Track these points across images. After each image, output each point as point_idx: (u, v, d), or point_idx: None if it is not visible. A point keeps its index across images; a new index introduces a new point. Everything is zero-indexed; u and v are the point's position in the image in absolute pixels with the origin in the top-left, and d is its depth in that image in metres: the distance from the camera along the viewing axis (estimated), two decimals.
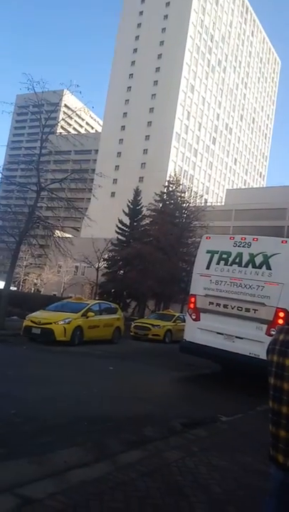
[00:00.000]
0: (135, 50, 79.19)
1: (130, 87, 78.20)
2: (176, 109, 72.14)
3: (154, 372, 10.10)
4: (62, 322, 12.82)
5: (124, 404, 6.51)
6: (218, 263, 9.15)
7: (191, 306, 9.51)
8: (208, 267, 9.29)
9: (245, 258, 8.76)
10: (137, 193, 38.04)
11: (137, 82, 76.51)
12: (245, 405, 7.12)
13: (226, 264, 9.03)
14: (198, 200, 37.16)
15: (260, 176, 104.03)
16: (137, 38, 79.59)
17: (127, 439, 4.75)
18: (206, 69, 79.99)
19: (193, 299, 9.48)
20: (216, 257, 9.22)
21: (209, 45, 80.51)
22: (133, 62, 78.81)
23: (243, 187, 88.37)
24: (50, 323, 12.75)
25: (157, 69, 75.33)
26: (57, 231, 22.59)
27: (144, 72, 75.70)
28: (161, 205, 35.98)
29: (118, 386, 7.98)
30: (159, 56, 75.54)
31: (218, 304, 8.96)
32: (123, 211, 37.93)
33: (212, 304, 9.05)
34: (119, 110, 77.53)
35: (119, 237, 36.52)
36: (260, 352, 8.01)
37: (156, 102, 73.68)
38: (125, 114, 77.57)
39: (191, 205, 34.84)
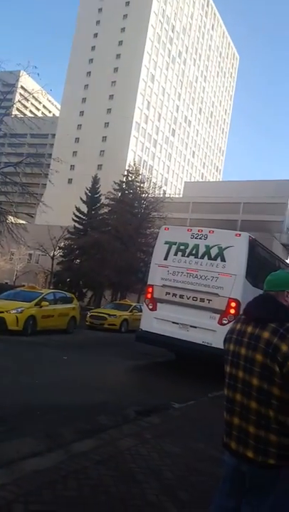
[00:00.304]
0: (96, 35, 77.54)
1: (90, 72, 76.67)
2: (137, 97, 71.67)
3: (109, 362, 10.13)
4: (14, 311, 12.49)
5: (78, 394, 6.47)
6: (175, 254, 9.28)
7: (148, 296, 9.59)
8: (166, 258, 9.40)
9: (202, 250, 8.95)
10: (96, 180, 37.56)
11: (97, 68, 75.11)
12: (198, 392, 7.31)
13: (183, 255, 9.18)
14: (157, 191, 37.35)
15: (217, 170, 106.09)
16: (97, 22, 77.94)
17: (80, 428, 4.73)
18: (167, 59, 79.91)
19: (150, 289, 9.57)
20: (173, 248, 9.34)
21: (170, 35, 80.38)
22: (93, 47, 77.19)
23: (201, 180, 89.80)
24: (2, 312, 12.40)
25: (118, 56, 74.28)
26: (10, 217, 21.86)
27: (104, 58, 74.40)
28: (120, 195, 35.79)
29: (72, 375, 7.92)
30: (120, 43, 74.47)
31: (174, 295, 9.10)
32: (81, 199, 37.35)
33: (169, 294, 9.18)
34: (78, 95, 75.87)
35: (76, 225, 35.97)
36: (213, 340, 8.28)
37: (116, 89, 72.79)
38: (84, 99, 76.06)
39: (150, 195, 34.95)
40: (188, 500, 3.20)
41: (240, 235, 9.02)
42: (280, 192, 49.64)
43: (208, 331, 8.46)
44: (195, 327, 8.73)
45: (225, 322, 8.29)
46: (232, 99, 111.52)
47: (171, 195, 49.13)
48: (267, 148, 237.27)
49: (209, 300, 8.63)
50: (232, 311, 8.31)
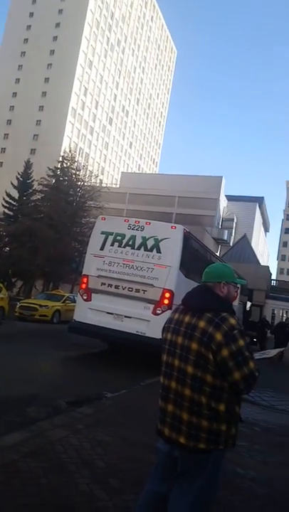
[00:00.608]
0: (31, 14, 74.24)
1: (24, 52, 73.24)
2: (74, 83, 69.77)
3: (40, 353, 9.87)
4: None
5: (7, 386, 6.24)
6: (112, 244, 9.26)
7: (83, 286, 9.48)
8: (102, 248, 9.34)
9: (138, 241, 9.02)
10: (28, 165, 36.19)
11: (32, 49, 71.93)
12: (131, 381, 7.40)
13: (119, 246, 9.18)
14: (93, 180, 36.88)
15: (154, 163, 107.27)
16: (34, 1, 74.56)
17: (8, 421, 4.58)
18: (106, 46, 78.67)
19: (85, 280, 9.47)
20: (110, 238, 9.31)
21: (109, 22, 79.15)
22: (29, 27, 73.80)
23: (138, 171, 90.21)
24: None
25: (55, 38, 71.69)
26: None
27: (40, 39, 71.42)
28: (54, 181, 34.81)
29: (0, 368, 7.62)
30: (57, 25, 71.91)
31: (109, 285, 9.09)
32: (11, 183, 35.78)
33: (104, 284, 9.15)
34: (11, 75, 72.18)
35: (6, 211, 34.46)
36: (146, 330, 8.42)
37: (52, 73, 70.30)
38: (18, 80, 72.58)
39: (86, 184, 34.41)
40: (120, 487, 3.24)
41: (175, 227, 9.22)
42: (213, 188, 51.66)
43: (143, 321, 8.59)
44: (129, 317, 8.81)
45: (159, 312, 8.47)
46: (169, 92, 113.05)
47: (108, 185, 48.82)
48: (202, 144, 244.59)
49: (144, 291, 8.75)
50: (166, 301, 8.51)
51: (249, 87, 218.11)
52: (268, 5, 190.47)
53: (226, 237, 53.00)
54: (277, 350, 4.03)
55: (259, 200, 73.26)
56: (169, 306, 8.37)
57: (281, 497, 3.67)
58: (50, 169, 35.50)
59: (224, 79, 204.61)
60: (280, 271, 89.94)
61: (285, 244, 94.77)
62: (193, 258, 10.06)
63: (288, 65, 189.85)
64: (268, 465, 4.44)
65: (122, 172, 73.30)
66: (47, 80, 70.64)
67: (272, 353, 3.42)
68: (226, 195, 58.33)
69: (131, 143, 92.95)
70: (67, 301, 19.04)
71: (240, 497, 3.48)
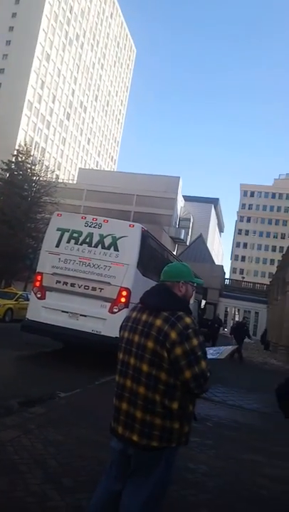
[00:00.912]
0: None
1: None
2: (30, 75, 67.92)
3: None
4: None
5: None
6: (68, 242, 9.11)
7: (37, 284, 9.26)
8: (57, 245, 9.17)
9: (96, 239, 8.95)
10: None
11: None
12: (84, 381, 7.33)
13: (76, 243, 9.05)
14: (49, 175, 36.13)
15: (112, 160, 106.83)
16: None
17: None
18: (64, 40, 77.25)
19: (39, 277, 9.25)
20: (66, 235, 9.16)
21: (68, 16, 77.77)
22: None
23: (95, 168, 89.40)
24: None
25: (11, 28, 69.47)
26: None
27: None
28: (8, 175, 33.79)
29: None
30: (14, 15, 69.79)
31: (65, 283, 8.94)
32: None
33: (59, 282, 8.98)
34: None
35: None
36: (102, 328, 8.38)
37: (8, 63, 68.06)
38: None
39: (41, 179, 33.66)
40: (73, 487, 3.21)
41: (133, 225, 9.23)
42: (171, 187, 52.26)
43: (99, 320, 8.53)
44: (85, 316, 8.72)
45: (115, 310, 8.44)
46: (128, 90, 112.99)
47: (65, 181, 48.03)
48: (160, 144, 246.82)
49: (101, 289, 8.69)
50: (123, 299, 8.50)
51: (208, 89, 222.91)
52: (224, 3, 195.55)
53: (182, 237, 53.87)
54: (231, 349, 4.14)
55: (214, 202, 75.09)
56: (126, 305, 8.37)
57: (230, 490, 3.80)
58: (4, 163, 34.39)
59: (183, 79, 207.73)
60: (233, 270, 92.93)
61: (238, 245, 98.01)
62: (151, 257, 10.13)
63: (246, 67, 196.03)
64: (219, 459, 4.57)
65: (80, 168, 72.36)
66: (2, 70, 68.30)
67: (224, 353, 3.51)
68: (183, 196, 59.25)
69: (89, 139, 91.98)
70: (20, 299, 18.52)
71: (192, 491, 3.56)
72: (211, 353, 3.37)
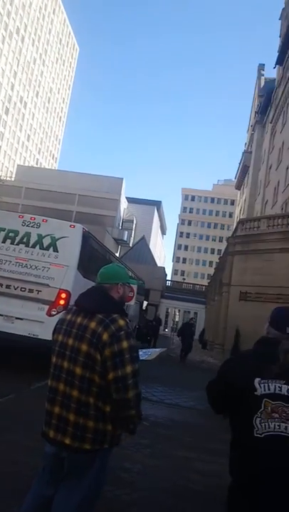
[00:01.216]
0: None
1: None
2: None
3: None
4: None
5: None
6: (3, 241, 8.76)
7: None
8: None
9: (34, 239, 8.68)
10: None
11: None
12: (19, 385, 7.13)
13: (12, 243, 8.72)
14: None
15: (53, 158, 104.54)
16: None
17: None
18: (3, 32, 74.36)
19: None
20: (1, 234, 8.79)
21: (8, 8, 75.02)
22: None
23: (35, 166, 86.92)
24: None
25: None
26: None
27: None
28: None
29: None
30: None
31: (0, 284, 8.60)
32: None
33: None
34: None
35: None
36: (40, 332, 8.16)
37: None
38: None
39: None
40: (3, 492, 3.12)
41: (74, 226, 9.07)
42: (114, 188, 52.13)
43: (36, 323, 8.30)
44: (21, 319, 8.44)
45: (54, 313, 8.26)
46: (70, 89, 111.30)
47: (2, 177, 46.14)
48: (103, 145, 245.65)
49: (38, 291, 8.47)
50: (62, 302, 8.34)
51: (152, 91, 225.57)
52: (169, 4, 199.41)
53: (125, 238, 54.02)
54: (159, 351, 4.24)
55: (157, 204, 76.15)
56: (65, 307, 8.22)
57: (163, 487, 3.90)
58: None
59: (127, 80, 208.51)
60: (175, 272, 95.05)
61: (179, 247, 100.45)
62: (92, 258, 10.04)
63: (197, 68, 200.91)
64: (154, 457, 4.67)
65: (18, 165, 69.78)
66: None
67: (153, 355, 3.61)
68: (126, 197, 59.43)
69: (29, 135, 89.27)
70: None
71: (126, 490, 3.62)
72: (141, 354, 3.43)
